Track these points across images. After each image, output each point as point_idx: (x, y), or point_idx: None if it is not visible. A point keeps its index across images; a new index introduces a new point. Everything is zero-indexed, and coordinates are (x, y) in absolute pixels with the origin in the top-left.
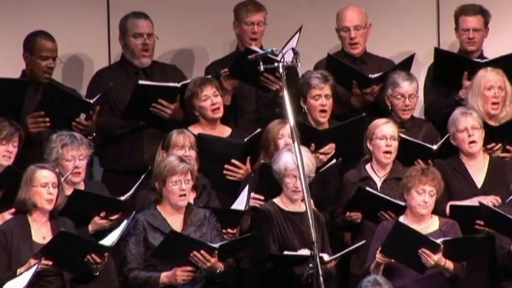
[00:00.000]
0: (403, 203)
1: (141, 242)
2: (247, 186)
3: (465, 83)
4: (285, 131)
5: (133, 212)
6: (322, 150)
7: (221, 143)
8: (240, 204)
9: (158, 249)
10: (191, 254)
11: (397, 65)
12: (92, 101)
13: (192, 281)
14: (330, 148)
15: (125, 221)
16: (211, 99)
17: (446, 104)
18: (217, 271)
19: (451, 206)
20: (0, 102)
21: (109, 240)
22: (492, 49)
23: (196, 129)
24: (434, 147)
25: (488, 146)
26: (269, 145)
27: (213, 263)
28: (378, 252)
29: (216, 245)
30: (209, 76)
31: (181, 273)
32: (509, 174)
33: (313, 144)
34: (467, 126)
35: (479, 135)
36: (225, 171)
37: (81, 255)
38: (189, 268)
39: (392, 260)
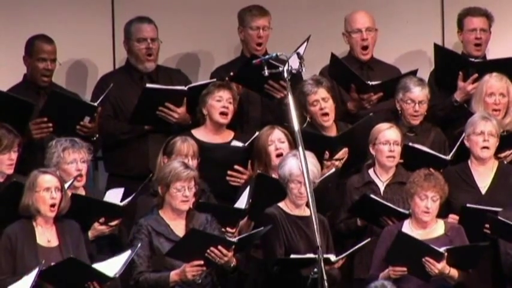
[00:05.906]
0: (407, 211)
1: (147, 245)
2: (248, 187)
3: (460, 83)
4: (274, 137)
5: (139, 245)
6: (336, 157)
7: (222, 150)
8: (240, 204)
9: (176, 248)
10: (208, 250)
11: (398, 76)
12: (96, 104)
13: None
14: (344, 153)
15: (129, 252)
16: (224, 103)
17: (442, 106)
18: (231, 265)
19: (462, 207)
20: (5, 116)
21: (112, 270)
22: (494, 55)
23: (199, 133)
24: (448, 157)
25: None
26: (261, 153)
27: (229, 257)
28: (390, 268)
29: (235, 240)
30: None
31: (191, 269)
32: None
33: (327, 152)
34: (484, 130)
35: (493, 143)
36: (228, 178)
37: (83, 281)
38: (197, 262)
39: (405, 270)
